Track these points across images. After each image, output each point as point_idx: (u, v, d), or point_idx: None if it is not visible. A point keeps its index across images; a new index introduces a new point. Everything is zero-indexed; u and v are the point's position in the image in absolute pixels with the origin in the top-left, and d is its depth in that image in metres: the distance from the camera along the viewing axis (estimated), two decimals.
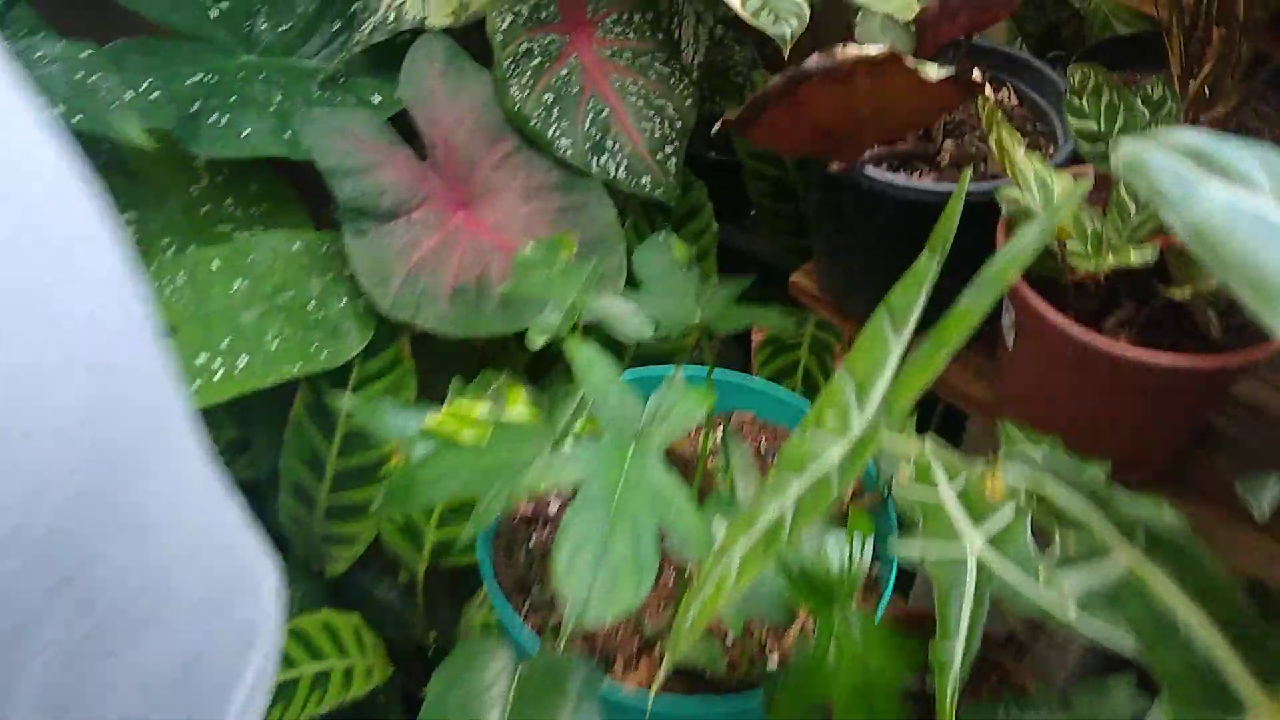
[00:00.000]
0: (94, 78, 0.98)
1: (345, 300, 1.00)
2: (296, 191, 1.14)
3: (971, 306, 0.39)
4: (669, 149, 1.07)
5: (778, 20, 0.83)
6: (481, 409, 0.61)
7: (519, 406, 0.62)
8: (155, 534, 0.27)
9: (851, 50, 0.58)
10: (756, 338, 1.19)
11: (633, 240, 1.10)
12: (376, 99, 1.08)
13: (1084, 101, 0.69)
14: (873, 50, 0.58)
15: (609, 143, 1.05)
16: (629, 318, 0.64)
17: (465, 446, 0.57)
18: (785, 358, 1.15)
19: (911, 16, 0.78)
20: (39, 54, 0.98)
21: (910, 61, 0.57)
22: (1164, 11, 0.83)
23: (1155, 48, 0.95)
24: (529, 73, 1.02)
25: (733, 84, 1.17)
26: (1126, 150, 0.29)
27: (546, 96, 1.03)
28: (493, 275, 0.97)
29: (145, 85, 1.02)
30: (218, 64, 1.07)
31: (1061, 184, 0.66)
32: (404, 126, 1.05)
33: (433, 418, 0.61)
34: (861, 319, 0.91)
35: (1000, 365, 0.80)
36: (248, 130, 1.04)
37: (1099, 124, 0.69)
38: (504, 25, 1.01)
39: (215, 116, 1.04)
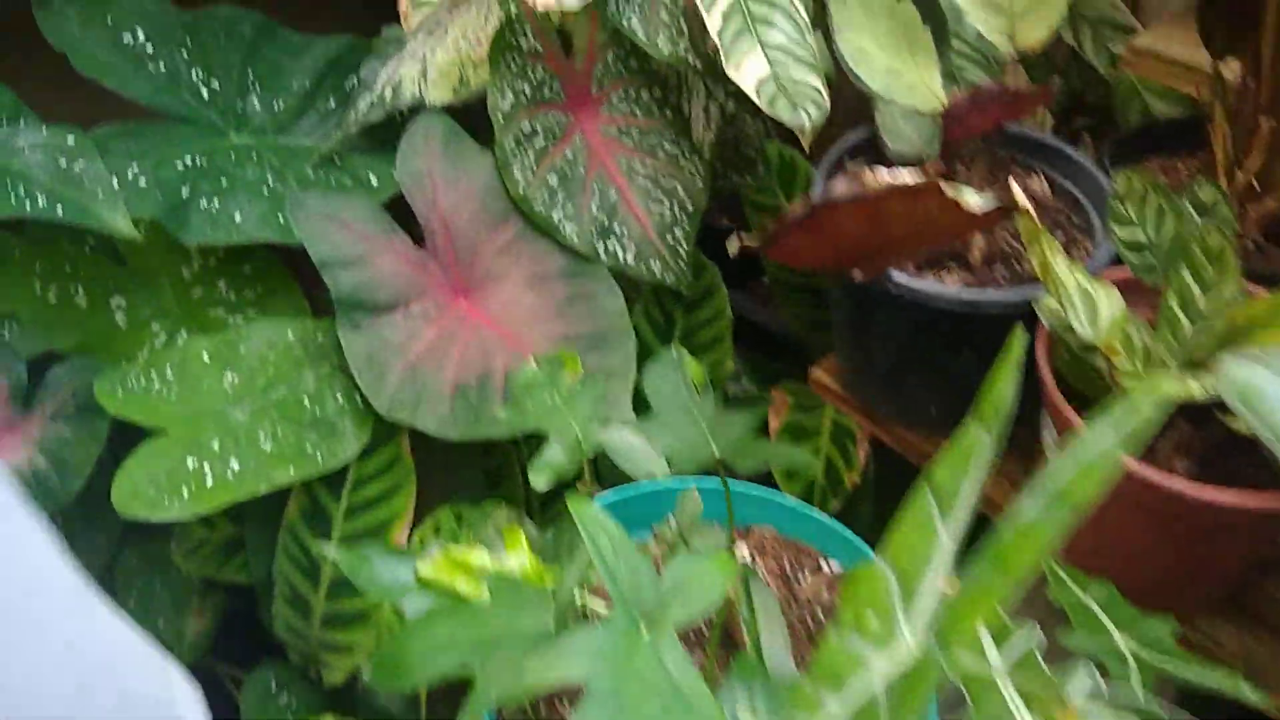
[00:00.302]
0: (78, 166, 0.94)
1: (342, 396, 0.95)
2: (291, 271, 1.10)
3: (1039, 524, 0.34)
4: (679, 232, 1.02)
5: (795, 109, 0.78)
6: (479, 557, 0.56)
7: (520, 555, 0.57)
8: None
9: (883, 177, 0.53)
10: (774, 423, 1.13)
11: (643, 328, 1.05)
12: (374, 180, 1.04)
13: (1129, 208, 0.63)
14: (907, 178, 0.53)
15: (616, 226, 1.00)
16: (639, 454, 0.58)
17: (461, 607, 0.52)
18: (805, 445, 1.09)
19: (937, 109, 0.73)
20: (20, 142, 0.94)
21: (949, 190, 0.52)
22: (1205, 96, 0.79)
23: (1193, 130, 0.91)
24: (532, 154, 0.98)
25: (745, 158, 1.12)
26: (1237, 376, 0.24)
27: (551, 179, 0.98)
28: (496, 372, 0.92)
29: (133, 172, 0.98)
30: (208, 146, 1.03)
31: (1107, 299, 0.61)
32: (402, 207, 1.01)
33: (426, 565, 0.56)
34: (889, 423, 0.87)
35: None
36: (240, 215, 1.00)
37: (1146, 232, 0.64)
38: (506, 105, 0.96)
39: (206, 201, 0.99)
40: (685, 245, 1.03)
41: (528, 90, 0.97)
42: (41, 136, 0.94)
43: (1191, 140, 0.90)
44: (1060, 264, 0.58)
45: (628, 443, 0.59)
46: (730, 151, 1.12)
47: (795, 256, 0.60)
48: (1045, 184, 0.82)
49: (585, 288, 0.98)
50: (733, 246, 0.58)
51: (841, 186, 0.53)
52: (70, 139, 0.95)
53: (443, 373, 0.92)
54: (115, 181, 0.96)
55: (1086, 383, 0.67)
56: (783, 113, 0.78)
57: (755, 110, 1.12)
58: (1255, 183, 0.75)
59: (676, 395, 0.62)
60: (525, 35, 0.96)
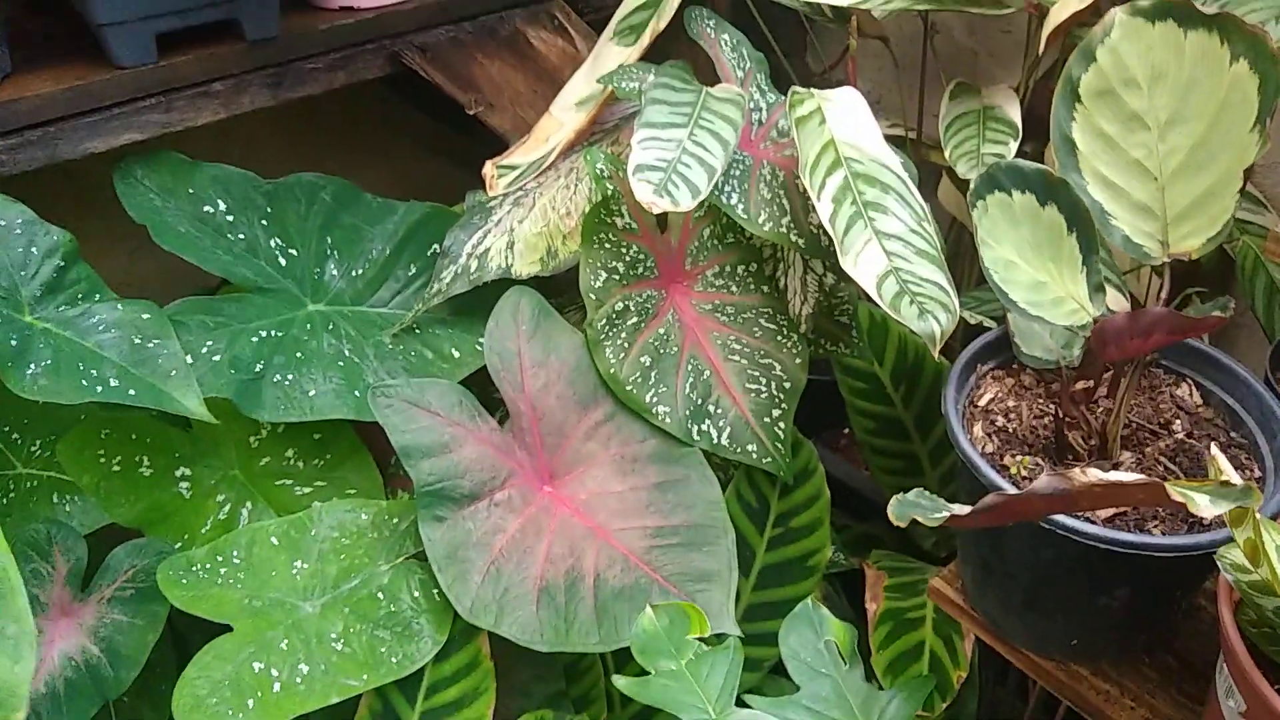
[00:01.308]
0: (153, 343, 0.90)
1: (418, 590, 0.89)
2: (361, 438, 1.05)
3: None
4: (777, 413, 0.96)
5: (923, 315, 0.72)
6: None
7: None
8: None
9: (1094, 475, 0.47)
10: (871, 606, 1.05)
11: (734, 510, 0.99)
12: (455, 353, 0.99)
13: None
14: (1128, 479, 0.47)
15: (710, 407, 0.94)
16: None
17: None
18: (908, 638, 1.01)
19: (1084, 323, 0.67)
20: (95, 319, 0.90)
21: (1177, 494, 0.46)
22: None
23: None
24: (625, 333, 0.93)
25: (840, 324, 1.07)
26: None
27: (644, 359, 0.93)
28: (585, 570, 0.86)
29: (207, 347, 0.94)
30: (284, 317, 0.99)
31: None
32: (484, 377, 0.96)
33: None
34: (1019, 646, 0.79)
35: None
36: (314, 391, 0.95)
37: None
38: (598, 283, 0.92)
39: (279, 376, 0.95)
40: (784, 425, 0.97)
41: (621, 268, 0.93)
42: (116, 313, 0.90)
43: None
44: (1267, 533, 0.51)
45: None
46: (824, 320, 1.06)
47: (964, 525, 0.53)
48: (1196, 393, 0.76)
49: (678, 473, 0.92)
50: (900, 520, 0.52)
51: (1046, 483, 0.47)
52: (146, 315, 0.91)
53: (528, 570, 0.86)
54: (189, 358, 0.92)
55: (1277, 643, 0.60)
56: (909, 318, 0.73)
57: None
58: None
59: (819, 663, 0.56)
60: (621, 213, 0.92)
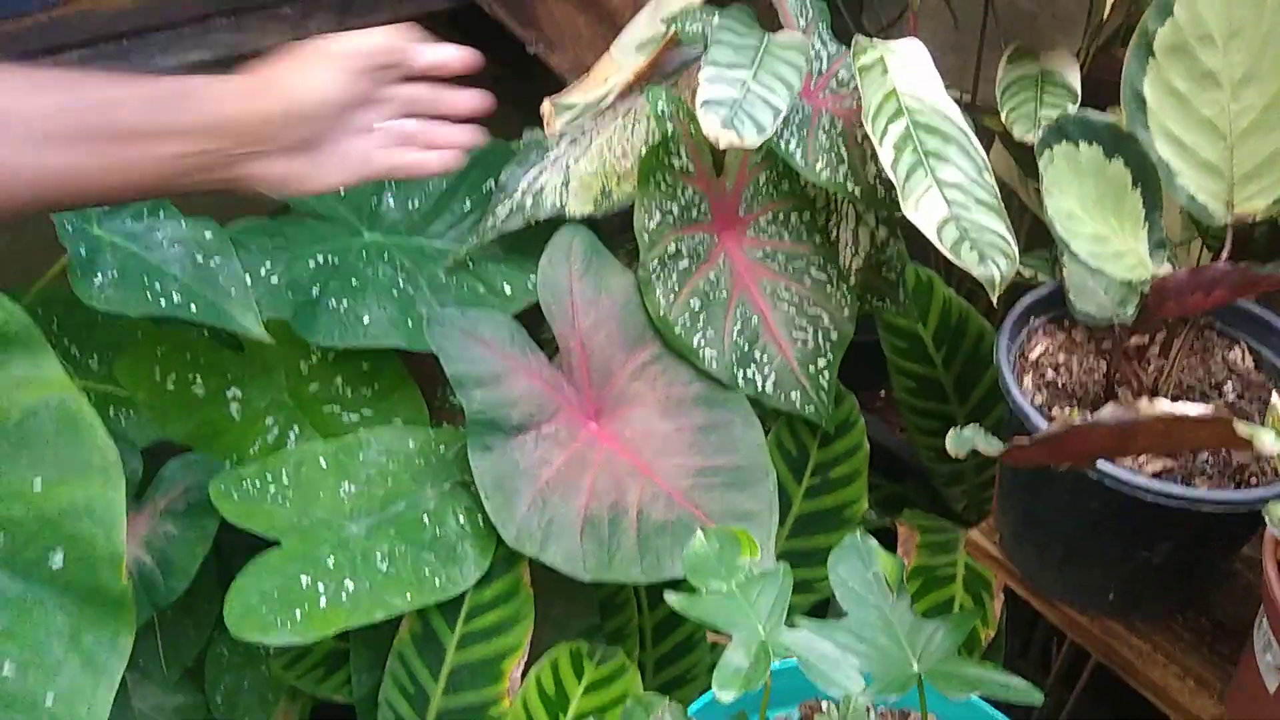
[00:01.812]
0: (214, 262, 0.92)
1: (464, 516, 0.91)
2: (408, 368, 1.07)
3: None
4: (822, 362, 0.97)
5: (984, 259, 0.73)
6: None
7: None
8: None
9: (1161, 407, 0.47)
10: (905, 561, 1.06)
11: (775, 459, 1.00)
12: (508, 289, 1.00)
13: None
14: (1194, 411, 0.48)
15: (757, 354, 0.95)
16: (834, 667, 0.53)
17: None
18: (939, 593, 1.02)
19: (1144, 279, 0.68)
20: (159, 234, 0.92)
21: (1244, 429, 0.46)
22: None
23: None
24: (676, 276, 0.93)
25: (887, 281, 1.07)
26: None
27: (693, 302, 0.94)
28: (629, 506, 0.87)
29: (265, 269, 0.96)
30: (341, 244, 1.01)
31: None
32: (533, 315, 0.97)
33: None
34: (1056, 600, 0.80)
35: (1245, 696, 0.67)
36: (368, 318, 0.97)
37: None
38: (652, 224, 0.92)
39: (334, 302, 0.97)
40: (828, 375, 0.97)
41: (676, 210, 0.93)
42: (181, 230, 0.92)
43: None
44: None
45: (818, 650, 0.53)
46: (872, 275, 1.07)
47: (1023, 459, 0.54)
48: (1249, 357, 0.76)
49: (722, 417, 0.93)
50: (954, 449, 0.52)
51: (1111, 411, 0.48)
52: (208, 234, 0.93)
53: (573, 502, 0.87)
54: (249, 279, 0.94)
55: None
56: (970, 263, 0.73)
57: (899, 233, 1.07)
58: None
59: (867, 592, 0.57)
60: (679, 154, 0.93)
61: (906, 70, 0.89)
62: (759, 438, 0.92)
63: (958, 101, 1.26)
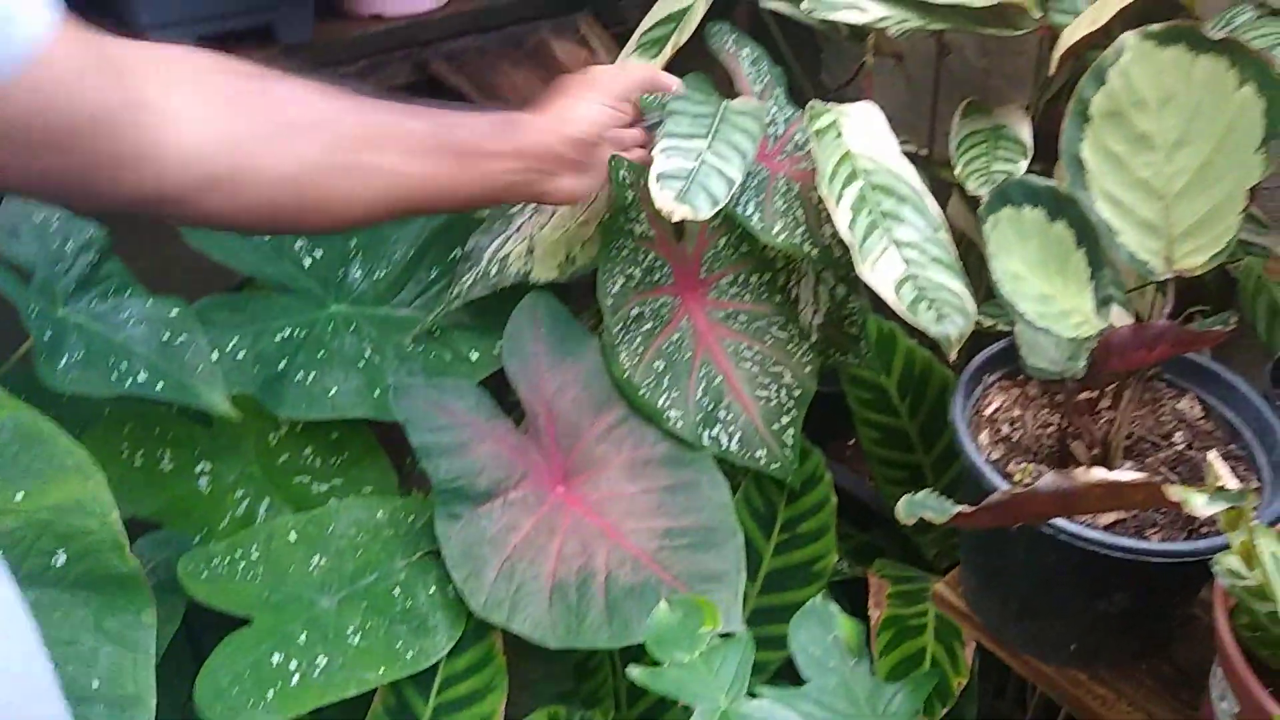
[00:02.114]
0: (181, 338, 0.93)
1: (434, 586, 0.91)
2: (378, 435, 1.07)
3: None
4: (786, 419, 0.98)
5: (940, 319, 0.74)
6: None
7: None
8: None
9: (1097, 475, 0.49)
10: (874, 613, 1.07)
11: (743, 515, 1.00)
12: (474, 355, 1.01)
13: None
14: (1126, 478, 0.49)
15: (721, 413, 0.96)
16: None
17: None
18: (910, 644, 1.02)
19: (1090, 335, 0.69)
20: (125, 314, 0.92)
21: (1175, 494, 0.48)
22: None
23: None
24: (639, 338, 0.95)
25: (849, 335, 1.09)
26: None
27: (657, 364, 0.95)
28: (597, 568, 0.88)
29: (232, 344, 0.97)
30: (307, 316, 1.01)
31: None
32: (503, 380, 0.98)
33: None
34: (1020, 651, 0.81)
35: None
36: (335, 389, 0.98)
37: None
38: (615, 289, 0.94)
39: (302, 375, 0.98)
40: (792, 432, 0.99)
41: (638, 274, 0.95)
42: (146, 309, 0.92)
43: None
44: (1261, 538, 0.53)
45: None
46: (834, 330, 1.08)
47: (968, 524, 0.55)
48: (1197, 407, 0.78)
49: (688, 477, 0.94)
50: (908, 518, 0.53)
51: (1050, 481, 0.49)
52: (174, 311, 0.93)
53: (541, 568, 0.88)
54: (215, 355, 0.94)
55: (1271, 647, 0.61)
56: (927, 322, 0.74)
57: (860, 289, 1.09)
58: None
59: (828, 657, 0.58)
60: (639, 220, 0.94)
61: (861, 133, 0.91)
62: (725, 497, 0.93)
63: (914, 155, 1.30)
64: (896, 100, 1.50)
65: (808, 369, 1.00)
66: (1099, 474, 0.49)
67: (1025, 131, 1.14)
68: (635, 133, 0.91)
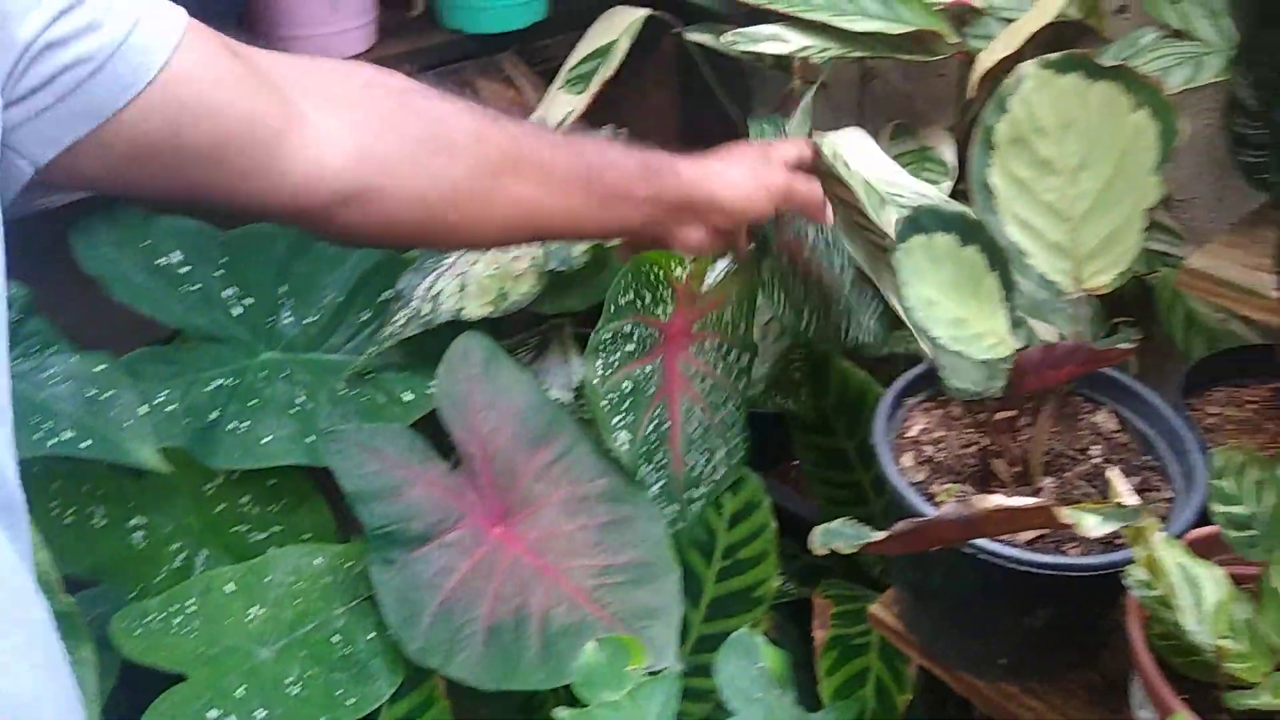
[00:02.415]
0: (107, 394, 0.91)
1: (373, 632, 0.91)
2: (315, 481, 1.06)
3: None
4: (698, 492, 1.00)
5: None
6: None
7: None
8: None
9: (994, 502, 0.50)
10: (819, 634, 1.08)
11: (684, 543, 1.01)
12: (408, 396, 1.01)
13: (1230, 483, 0.61)
14: (1020, 503, 0.51)
15: (657, 457, 0.97)
16: None
17: None
18: (854, 664, 1.04)
19: (1005, 356, 0.71)
20: (49, 371, 0.91)
21: (1065, 516, 0.49)
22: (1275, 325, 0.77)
23: (1259, 358, 0.89)
24: (620, 354, 0.96)
25: (792, 381, 1.11)
26: None
27: (625, 384, 0.96)
28: (533, 609, 0.87)
29: (162, 397, 0.96)
30: (239, 365, 1.01)
31: (1213, 583, 0.57)
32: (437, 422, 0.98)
33: None
34: (954, 668, 0.83)
35: None
36: (268, 437, 0.97)
37: (1247, 506, 0.61)
38: (624, 300, 0.96)
39: (234, 424, 0.97)
40: (699, 506, 1.00)
41: (647, 298, 0.98)
42: (72, 365, 0.91)
43: (1256, 368, 0.87)
44: (1163, 550, 0.55)
45: None
46: (779, 374, 1.10)
47: (879, 551, 0.56)
48: (1113, 420, 0.80)
49: (625, 512, 0.94)
50: (821, 549, 0.54)
51: (951, 509, 0.50)
52: (100, 366, 0.92)
53: (477, 611, 0.87)
54: (144, 408, 0.93)
55: (1183, 655, 0.63)
56: None
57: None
58: None
59: (754, 687, 0.58)
60: (683, 263, 0.98)
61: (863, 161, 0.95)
62: (662, 532, 0.93)
63: None
64: (824, 126, 1.53)
65: (736, 460, 1.01)
66: (995, 501, 0.50)
67: (949, 152, 1.17)
68: (816, 192, 0.87)
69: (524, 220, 0.72)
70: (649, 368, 0.98)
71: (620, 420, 0.95)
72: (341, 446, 0.90)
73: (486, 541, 0.91)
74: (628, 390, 0.96)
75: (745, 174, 0.83)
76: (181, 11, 0.53)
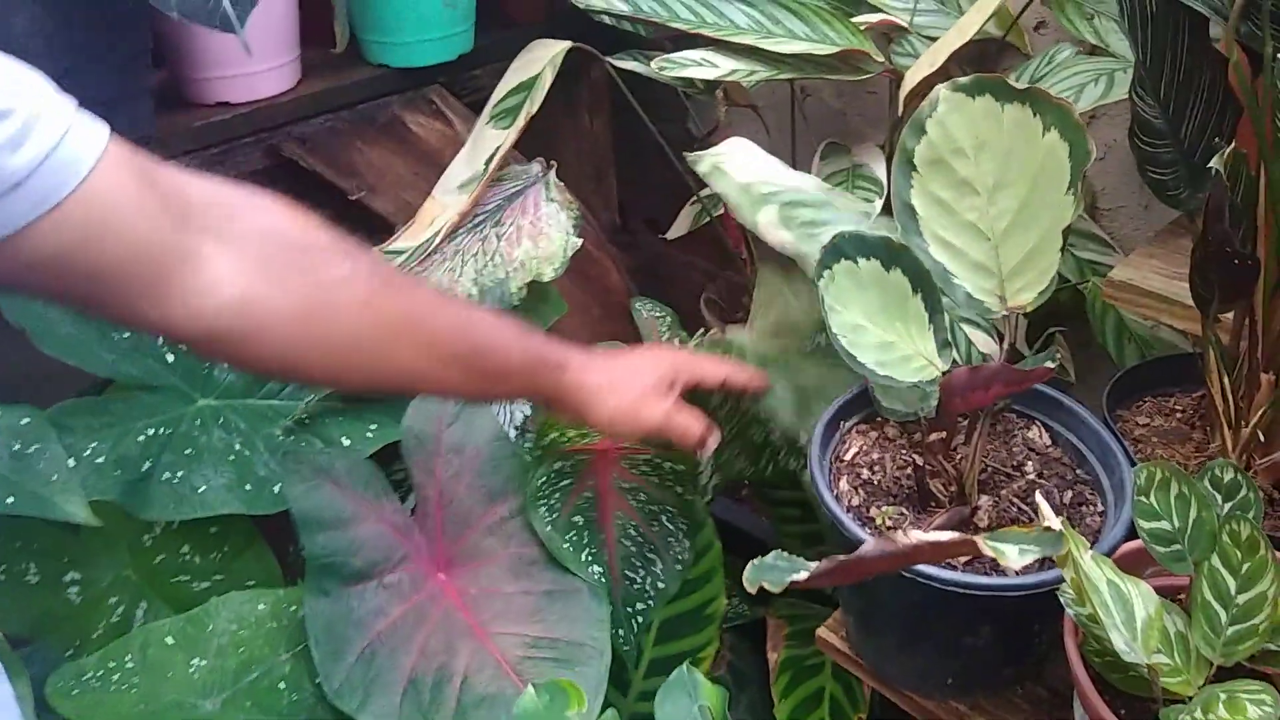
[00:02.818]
0: (34, 448, 0.89)
1: (320, 676, 0.89)
2: (259, 525, 1.05)
3: None
4: (642, 606, 0.98)
5: None
6: None
7: None
8: None
9: (915, 537, 0.50)
10: (772, 655, 1.08)
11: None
12: (345, 441, 1.00)
13: (1154, 500, 0.61)
14: (944, 538, 0.51)
15: (594, 552, 0.97)
16: None
17: None
18: (808, 684, 1.04)
19: (932, 378, 0.72)
20: None
21: (986, 547, 0.50)
22: (1202, 349, 0.78)
23: (1183, 366, 0.91)
24: (558, 495, 0.96)
25: (751, 442, 1.11)
26: None
27: (576, 518, 0.96)
28: (456, 670, 0.86)
29: (91, 448, 0.94)
30: (173, 413, 0.99)
31: (1141, 599, 0.58)
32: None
33: None
34: (900, 688, 0.83)
35: None
36: (204, 486, 0.96)
37: (1171, 521, 0.62)
38: (546, 441, 0.97)
39: (168, 474, 0.95)
40: (642, 620, 0.98)
41: (570, 432, 0.99)
42: None
43: (1182, 376, 0.89)
44: (1089, 566, 0.55)
45: None
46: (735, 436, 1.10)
47: (808, 586, 0.56)
48: (1045, 434, 0.81)
49: (571, 584, 0.93)
50: (752, 586, 0.54)
51: (874, 546, 0.50)
52: (25, 420, 0.90)
53: (401, 660, 0.86)
54: (73, 461, 0.91)
55: (1119, 670, 0.64)
56: None
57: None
58: (1260, 435, 0.74)
59: None
60: None
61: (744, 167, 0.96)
62: (604, 613, 0.92)
63: None
64: (759, 145, 1.54)
65: (676, 568, 0.99)
66: (918, 536, 0.50)
67: (880, 169, 1.18)
68: (692, 432, 0.85)
69: (398, 384, 0.76)
70: (587, 494, 0.97)
71: (589, 555, 0.95)
72: (299, 468, 0.89)
73: (425, 589, 0.90)
74: (581, 524, 0.96)
75: (626, 399, 0.82)
76: (104, 128, 0.54)
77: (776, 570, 0.52)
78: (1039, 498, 0.57)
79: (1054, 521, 0.52)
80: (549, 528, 0.94)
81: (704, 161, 0.96)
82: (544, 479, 0.95)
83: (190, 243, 0.58)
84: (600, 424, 0.83)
